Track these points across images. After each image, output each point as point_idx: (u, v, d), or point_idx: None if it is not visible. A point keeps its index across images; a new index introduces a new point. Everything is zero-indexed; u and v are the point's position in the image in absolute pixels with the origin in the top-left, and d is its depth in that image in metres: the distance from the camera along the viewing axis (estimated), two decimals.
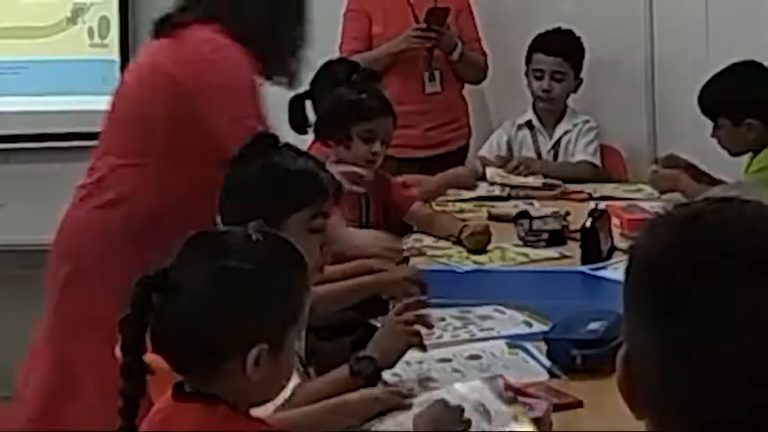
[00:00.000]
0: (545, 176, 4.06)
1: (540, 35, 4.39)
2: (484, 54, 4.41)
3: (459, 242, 3.16)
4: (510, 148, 4.39)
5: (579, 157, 4.29)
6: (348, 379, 2.06)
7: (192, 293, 1.54)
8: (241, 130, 2.45)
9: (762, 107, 3.60)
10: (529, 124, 4.40)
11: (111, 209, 2.78)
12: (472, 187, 3.80)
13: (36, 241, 5.45)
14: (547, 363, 2.18)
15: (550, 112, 4.38)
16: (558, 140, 4.36)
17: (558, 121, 4.39)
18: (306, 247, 2.11)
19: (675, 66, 4.52)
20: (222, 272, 1.56)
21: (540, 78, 4.34)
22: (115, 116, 2.91)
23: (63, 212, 2.95)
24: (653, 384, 1.03)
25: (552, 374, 2.14)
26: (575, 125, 4.37)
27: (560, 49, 4.33)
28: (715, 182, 3.58)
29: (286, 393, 1.88)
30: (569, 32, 4.38)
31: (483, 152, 4.39)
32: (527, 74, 4.40)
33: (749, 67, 3.73)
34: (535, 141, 4.39)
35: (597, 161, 4.31)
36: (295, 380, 1.97)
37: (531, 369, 2.17)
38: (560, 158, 4.34)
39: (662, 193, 3.58)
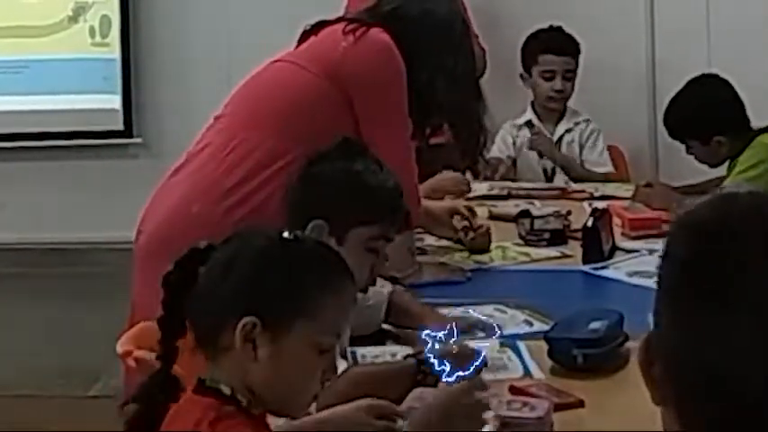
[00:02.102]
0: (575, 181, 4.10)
1: (538, 35, 4.40)
2: (482, 49, 4.41)
3: (459, 241, 3.15)
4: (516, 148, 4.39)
5: (602, 169, 4.28)
6: (399, 370, 2.02)
7: (211, 265, 1.58)
8: None
9: (724, 124, 3.62)
10: (529, 124, 4.40)
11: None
12: (459, 195, 3.73)
13: (37, 240, 5.47)
14: (531, 363, 2.17)
15: (554, 111, 4.39)
16: (560, 139, 4.36)
17: (559, 120, 4.39)
18: (357, 262, 2.12)
19: (676, 66, 4.52)
20: (243, 247, 1.59)
21: (550, 79, 4.34)
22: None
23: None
24: (669, 361, 1.03)
25: (527, 373, 2.13)
26: (576, 124, 4.37)
27: (568, 48, 4.35)
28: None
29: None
30: (561, 29, 4.40)
31: (493, 154, 4.38)
32: (522, 76, 4.40)
33: (704, 82, 3.75)
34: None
35: (612, 168, 4.31)
36: (342, 365, 1.97)
37: (510, 369, 2.16)
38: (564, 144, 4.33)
39: (654, 209, 3.58)
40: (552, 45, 4.36)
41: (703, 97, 3.70)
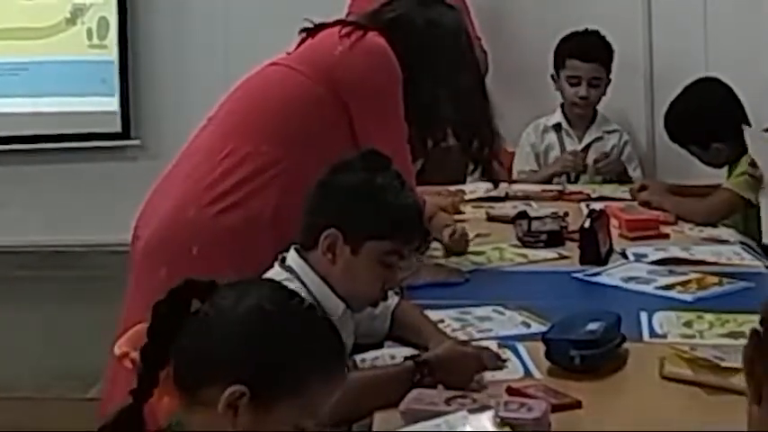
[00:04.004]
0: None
1: (570, 39, 4.34)
2: (484, 52, 4.40)
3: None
4: (537, 156, 4.38)
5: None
6: (398, 373, 2.04)
7: (210, 310, 1.55)
8: None
9: (722, 131, 3.62)
10: (556, 127, 4.39)
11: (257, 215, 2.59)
12: (454, 211, 3.69)
13: (34, 242, 5.46)
14: (530, 363, 2.18)
15: (583, 117, 4.37)
16: (588, 146, 4.35)
17: (589, 125, 4.38)
18: (370, 276, 2.15)
19: (675, 66, 4.51)
20: (247, 306, 1.55)
21: (576, 85, 4.30)
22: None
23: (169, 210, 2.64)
24: None
25: (527, 374, 2.14)
26: (606, 132, 4.37)
27: (597, 54, 4.30)
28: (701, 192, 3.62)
29: None
30: (597, 33, 4.34)
31: (518, 166, 4.38)
32: (554, 77, 4.37)
33: (704, 87, 3.75)
34: (561, 143, 4.37)
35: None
36: None
37: (509, 369, 2.17)
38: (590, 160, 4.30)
39: (652, 208, 3.59)
40: (579, 50, 4.29)
41: (701, 104, 3.70)
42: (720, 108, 3.66)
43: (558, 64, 4.35)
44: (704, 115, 3.67)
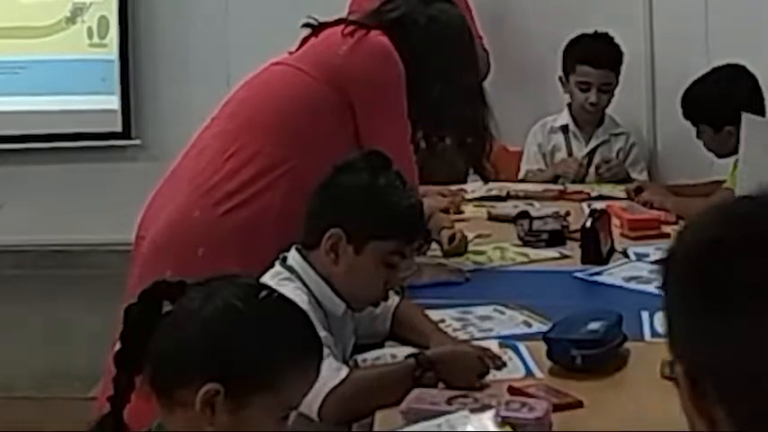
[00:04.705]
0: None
1: (579, 43, 4.31)
2: (486, 51, 4.40)
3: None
4: (544, 156, 4.37)
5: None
6: (399, 370, 2.04)
7: (180, 310, 1.55)
8: None
9: (739, 116, 3.62)
10: (564, 128, 4.37)
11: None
12: (454, 209, 3.68)
13: (35, 242, 5.46)
14: (532, 363, 2.17)
15: (591, 120, 4.35)
16: (595, 149, 4.33)
17: (597, 128, 4.36)
18: (372, 276, 2.16)
19: (676, 66, 4.52)
20: (216, 303, 1.55)
21: (586, 90, 4.27)
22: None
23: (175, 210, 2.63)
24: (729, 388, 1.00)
25: (529, 373, 2.14)
26: (613, 135, 4.35)
27: (607, 60, 4.27)
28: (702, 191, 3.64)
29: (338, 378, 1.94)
30: (607, 37, 4.31)
31: (526, 165, 4.37)
32: (561, 80, 4.34)
33: (730, 71, 3.79)
34: (568, 145, 4.36)
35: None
36: (344, 370, 2.00)
37: (510, 369, 2.16)
38: (593, 166, 4.29)
39: (652, 207, 3.60)
40: (590, 56, 4.24)
41: (726, 86, 3.73)
42: (742, 93, 3.68)
43: (568, 68, 4.32)
44: (725, 96, 3.69)
